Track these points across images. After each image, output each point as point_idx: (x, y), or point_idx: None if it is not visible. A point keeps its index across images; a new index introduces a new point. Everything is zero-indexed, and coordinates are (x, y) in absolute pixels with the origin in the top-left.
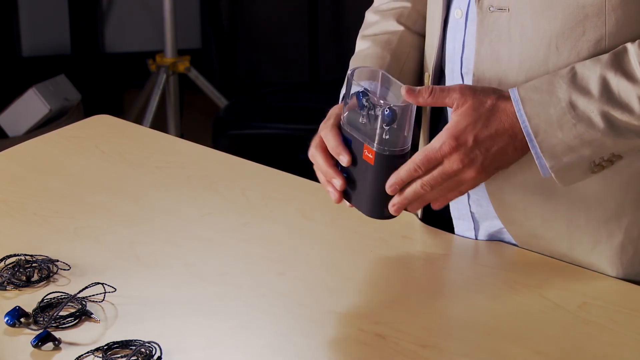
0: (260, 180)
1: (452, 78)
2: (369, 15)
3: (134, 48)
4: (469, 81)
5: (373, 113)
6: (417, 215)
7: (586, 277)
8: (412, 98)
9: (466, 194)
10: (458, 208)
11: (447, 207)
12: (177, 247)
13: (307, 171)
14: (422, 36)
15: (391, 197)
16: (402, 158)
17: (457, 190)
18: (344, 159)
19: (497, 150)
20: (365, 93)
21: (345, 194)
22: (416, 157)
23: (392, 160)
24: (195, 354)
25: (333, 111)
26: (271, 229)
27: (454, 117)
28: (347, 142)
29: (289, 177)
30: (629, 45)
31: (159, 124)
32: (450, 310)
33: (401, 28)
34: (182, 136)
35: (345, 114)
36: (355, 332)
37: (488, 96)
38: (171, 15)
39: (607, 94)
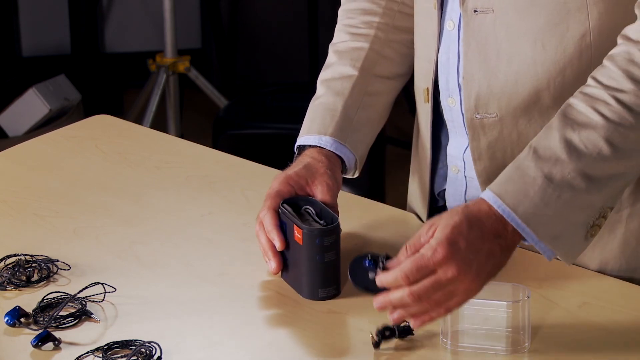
0: (260, 180)
1: (447, 88)
2: (330, 54)
3: (134, 48)
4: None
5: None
6: (420, 219)
7: (586, 277)
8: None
9: (463, 202)
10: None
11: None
12: (177, 247)
13: None
14: (382, 77)
15: (325, 277)
16: (332, 233)
17: (444, 305)
18: (277, 244)
19: (487, 252)
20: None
21: (286, 277)
22: (405, 266)
23: (320, 237)
24: (195, 354)
25: (274, 186)
26: None
27: (439, 229)
28: (282, 225)
29: None
30: (570, 100)
31: (159, 124)
32: None
33: (356, 73)
34: (182, 136)
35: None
36: (355, 332)
37: (455, 211)
38: (171, 15)
39: (576, 152)
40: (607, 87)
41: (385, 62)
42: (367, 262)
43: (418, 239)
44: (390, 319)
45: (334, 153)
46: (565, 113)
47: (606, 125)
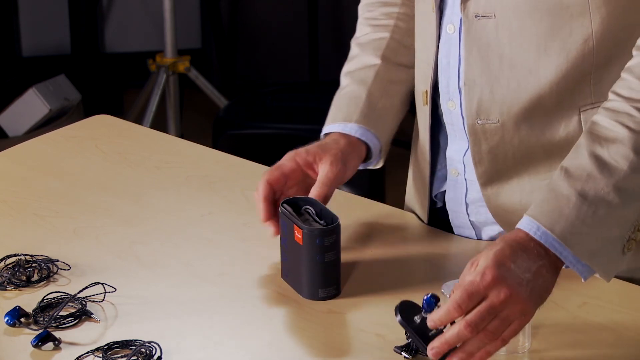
0: (260, 180)
1: (447, 92)
2: (352, 47)
3: (134, 48)
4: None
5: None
6: (421, 220)
7: None
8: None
9: (464, 204)
10: (458, 217)
11: (447, 216)
12: (177, 247)
13: None
14: (403, 66)
15: (325, 277)
16: (332, 233)
17: (501, 336)
18: (261, 215)
19: (535, 271)
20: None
21: (286, 277)
22: (455, 295)
23: (320, 237)
24: (195, 354)
25: (281, 160)
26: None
27: (482, 258)
28: (282, 225)
29: None
30: (595, 117)
31: (159, 124)
32: None
33: (378, 62)
34: (182, 136)
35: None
36: (355, 332)
37: (494, 242)
38: (171, 15)
39: (607, 167)
40: (628, 99)
41: (406, 51)
42: (424, 300)
43: (463, 277)
44: None
45: (359, 139)
46: (591, 130)
47: (633, 137)
